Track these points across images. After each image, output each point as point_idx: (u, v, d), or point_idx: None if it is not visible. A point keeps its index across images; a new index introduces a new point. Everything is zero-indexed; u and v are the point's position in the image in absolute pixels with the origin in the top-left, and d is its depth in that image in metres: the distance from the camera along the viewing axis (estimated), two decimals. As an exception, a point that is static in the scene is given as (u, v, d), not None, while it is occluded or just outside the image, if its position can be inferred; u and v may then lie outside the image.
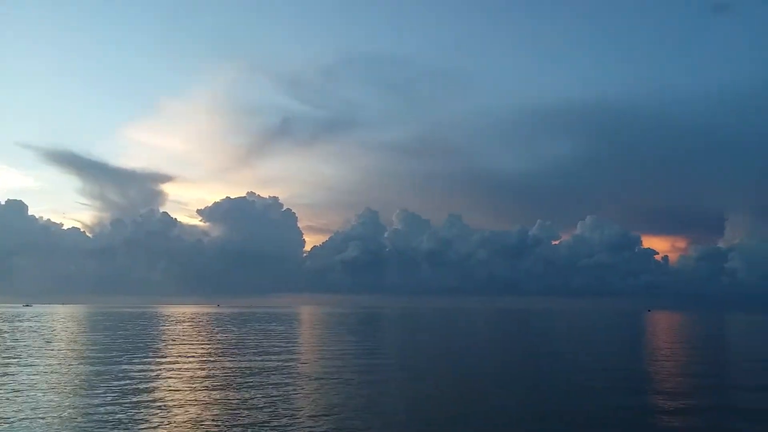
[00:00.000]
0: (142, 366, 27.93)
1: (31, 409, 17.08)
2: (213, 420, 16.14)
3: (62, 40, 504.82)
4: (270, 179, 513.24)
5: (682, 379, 26.24)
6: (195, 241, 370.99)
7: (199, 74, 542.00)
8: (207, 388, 21.44)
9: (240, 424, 15.61)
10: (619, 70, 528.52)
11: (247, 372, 26.28)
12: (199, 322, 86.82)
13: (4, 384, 21.84)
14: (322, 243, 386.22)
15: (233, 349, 38.58)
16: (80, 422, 15.66)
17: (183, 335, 52.72)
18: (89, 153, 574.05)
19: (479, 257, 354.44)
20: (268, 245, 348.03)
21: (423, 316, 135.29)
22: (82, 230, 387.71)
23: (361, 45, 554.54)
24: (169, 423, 15.73)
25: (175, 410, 17.36)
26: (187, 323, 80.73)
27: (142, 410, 17.22)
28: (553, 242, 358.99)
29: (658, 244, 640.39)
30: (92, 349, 37.17)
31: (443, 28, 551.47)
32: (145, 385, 21.85)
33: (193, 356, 33.17)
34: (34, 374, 24.66)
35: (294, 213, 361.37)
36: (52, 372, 25.49)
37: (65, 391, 20.53)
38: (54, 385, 21.84)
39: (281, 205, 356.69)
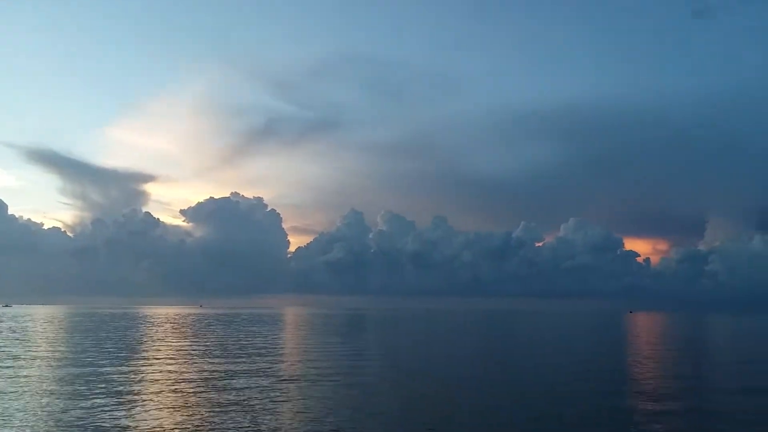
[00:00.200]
0: (120, 368, 27.49)
1: (2, 416, 16.69)
2: (194, 425, 15.88)
3: (45, 39, 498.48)
4: (254, 180, 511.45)
5: (663, 381, 26.39)
6: (178, 241, 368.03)
7: (184, 74, 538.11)
8: (187, 392, 21.12)
9: (222, 428, 15.38)
10: (602, 75, 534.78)
11: (229, 375, 25.96)
12: (181, 323, 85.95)
13: (-22, 387, 21.35)
14: (307, 244, 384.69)
15: (215, 350, 38.16)
16: (54, 427, 15.31)
17: (164, 337, 52.10)
18: (71, 152, 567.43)
19: (464, 259, 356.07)
20: (253, 246, 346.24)
21: (407, 318, 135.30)
22: (63, 230, 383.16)
23: (348, 46, 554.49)
24: (148, 428, 15.44)
25: (155, 414, 17.06)
26: (169, 324, 79.88)
27: (119, 415, 16.89)
28: (537, 244, 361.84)
29: (639, 246, 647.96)
30: (71, 351, 36.54)
31: (430, 31, 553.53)
32: (123, 389, 21.46)
33: (173, 358, 32.75)
34: (9, 377, 24.14)
35: (278, 214, 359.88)
36: (28, 375, 24.97)
37: (41, 394, 20.09)
38: (29, 388, 21.37)
39: (266, 206, 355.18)
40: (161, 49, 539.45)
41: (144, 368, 27.79)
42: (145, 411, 17.46)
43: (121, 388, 21.63)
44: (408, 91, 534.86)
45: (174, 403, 18.74)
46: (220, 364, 30.22)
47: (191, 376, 25.11)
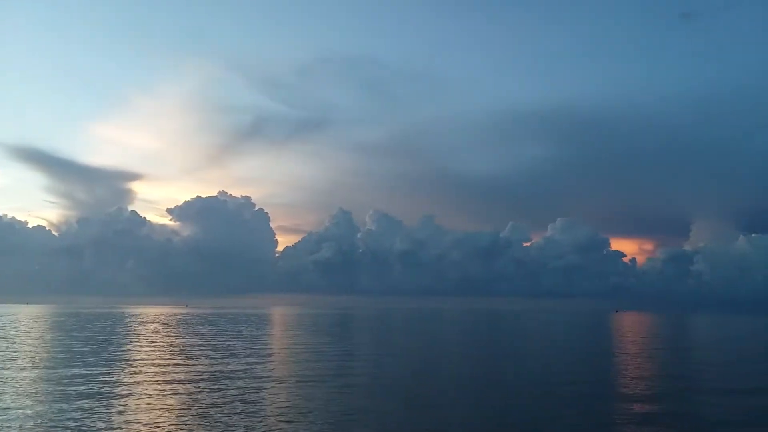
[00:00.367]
0: (104, 370, 27.19)
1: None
2: (177, 428, 15.72)
3: (29, 35, 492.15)
4: (242, 179, 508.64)
5: (649, 383, 26.59)
6: (164, 240, 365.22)
7: (171, 71, 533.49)
8: (170, 394, 20.94)
9: None
10: (589, 76, 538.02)
11: (213, 377, 25.77)
12: (167, 323, 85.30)
13: (-43, 389, 21.02)
14: (295, 243, 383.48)
15: (199, 351, 37.89)
16: (36, 429, 15.09)
17: (148, 337, 51.65)
18: (56, 150, 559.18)
19: (452, 258, 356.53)
20: (240, 245, 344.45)
21: (396, 317, 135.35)
22: (48, 229, 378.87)
23: (337, 45, 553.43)
24: (130, 430, 15.26)
25: (137, 417, 16.88)
26: (154, 325, 79.23)
27: (101, 417, 16.70)
28: (525, 244, 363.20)
29: (626, 246, 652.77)
30: (55, 351, 36.11)
31: (419, 31, 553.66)
32: (106, 391, 21.22)
33: (157, 359, 32.46)
34: (-10, 379, 23.79)
35: (266, 213, 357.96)
36: (8, 376, 24.62)
37: (23, 395, 19.81)
38: (11, 389, 21.06)
39: (253, 205, 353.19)
40: (149, 46, 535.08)
41: (127, 370, 27.51)
42: (128, 413, 17.26)
43: (104, 390, 21.38)
44: (397, 91, 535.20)
45: (157, 406, 18.55)
46: (204, 365, 29.99)
47: (174, 378, 24.89)
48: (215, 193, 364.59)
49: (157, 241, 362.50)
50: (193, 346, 42.29)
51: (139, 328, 69.15)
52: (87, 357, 32.91)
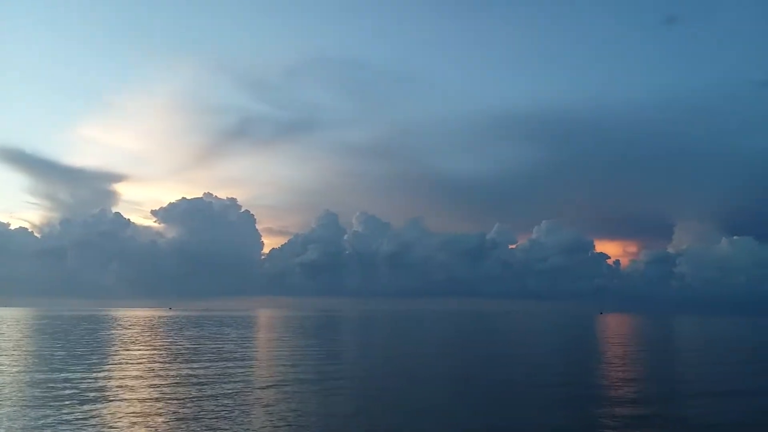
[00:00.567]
0: (85, 374, 26.74)
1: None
2: (158, 432, 15.48)
3: (11, 33, 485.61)
4: (228, 180, 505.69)
5: (632, 385, 26.71)
6: (149, 242, 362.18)
7: (156, 71, 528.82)
8: (154, 398, 20.63)
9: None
10: (574, 80, 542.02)
11: (195, 380, 25.46)
12: (150, 326, 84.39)
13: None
14: (281, 245, 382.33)
15: (182, 354, 37.45)
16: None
17: (131, 340, 51.01)
18: (39, 151, 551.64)
19: (438, 260, 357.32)
20: (226, 247, 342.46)
21: (383, 319, 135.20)
22: (30, 230, 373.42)
23: (323, 47, 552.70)
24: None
25: (119, 421, 16.59)
26: (137, 327, 78.33)
27: (81, 423, 16.39)
28: (510, 246, 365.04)
29: (610, 248, 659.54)
30: (35, 355, 35.49)
31: (406, 33, 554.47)
32: (87, 396, 20.86)
33: (140, 362, 32.03)
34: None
35: (252, 215, 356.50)
36: (-13, 381, 24.14)
37: (2, 400, 19.40)
38: (-12, 395, 20.65)
39: (239, 207, 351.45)
40: (133, 45, 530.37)
41: (110, 374, 27.09)
42: (109, 418, 16.96)
43: (85, 395, 21.00)
44: (384, 92, 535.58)
45: (139, 411, 18.26)
46: (186, 369, 29.62)
47: (158, 382, 24.54)
48: (200, 195, 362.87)
49: (141, 243, 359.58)
50: (177, 349, 41.81)
51: (122, 331, 68.31)
52: (68, 361, 32.37)
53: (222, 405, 19.41)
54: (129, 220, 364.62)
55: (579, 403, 21.39)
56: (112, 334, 60.24)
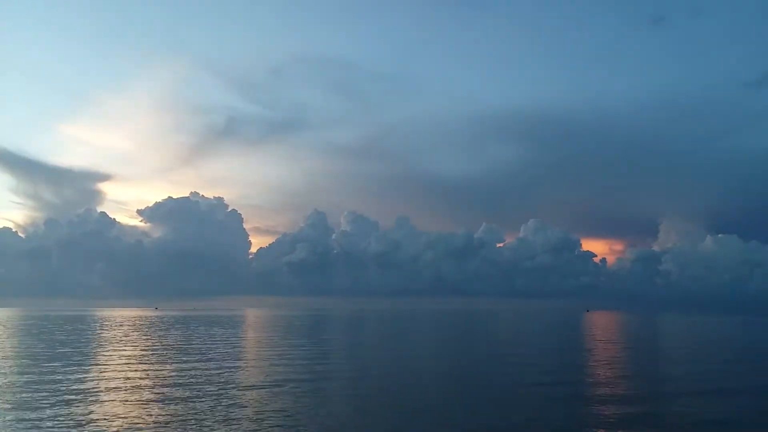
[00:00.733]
0: (70, 375, 26.39)
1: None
2: (143, 435, 15.26)
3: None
4: (215, 179, 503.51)
5: (618, 383, 26.85)
6: (135, 242, 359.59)
7: (142, 70, 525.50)
8: (138, 400, 20.38)
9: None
10: (561, 80, 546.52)
11: (182, 381, 25.20)
12: (135, 326, 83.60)
13: None
14: (269, 245, 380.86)
15: (168, 355, 37.09)
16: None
17: (115, 340, 50.46)
18: (23, 150, 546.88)
19: (426, 259, 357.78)
20: (213, 247, 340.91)
21: (371, 318, 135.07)
22: (14, 230, 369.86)
23: (311, 46, 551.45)
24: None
25: (103, 425, 16.34)
26: (122, 328, 77.56)
27: (65, 426, 16.12)
28: (498, 245, 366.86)
29: (596, 246, 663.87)
30: (19, 355, 34.98)
31: (393, 33, 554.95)
32: (72, 397, 20.56)
33: (124, 363, 31.66)
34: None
35: (240, 214, 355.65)
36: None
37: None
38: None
39: (226, 206, 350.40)
40: (119, 44, 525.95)
41: (95, 374, 26.74)
42: (94, 420, 16.71)
43: (70, 396, 20.71)
44: (371, 92, 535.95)
45: (123, 414, 18.01)
46: (172, 369, 29.33)
47: (141, 384, 24.25)
48: (187, 194, 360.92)
49: (126, 243, 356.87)
50: (163, 349, 41.41)
51: (108, 331, 67.60)
52: (53, 362, 31.94)
53: (209, 406, 19.21)
54: (114, 219, 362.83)
55: (567, 402, 21.43)
56: (98, 335, 59.58)
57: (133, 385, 23.92)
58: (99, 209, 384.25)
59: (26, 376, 26.35)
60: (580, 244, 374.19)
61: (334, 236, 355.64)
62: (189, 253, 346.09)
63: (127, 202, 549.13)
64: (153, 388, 23.15)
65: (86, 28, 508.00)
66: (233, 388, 23.37)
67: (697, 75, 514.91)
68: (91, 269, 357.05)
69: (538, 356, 40.72)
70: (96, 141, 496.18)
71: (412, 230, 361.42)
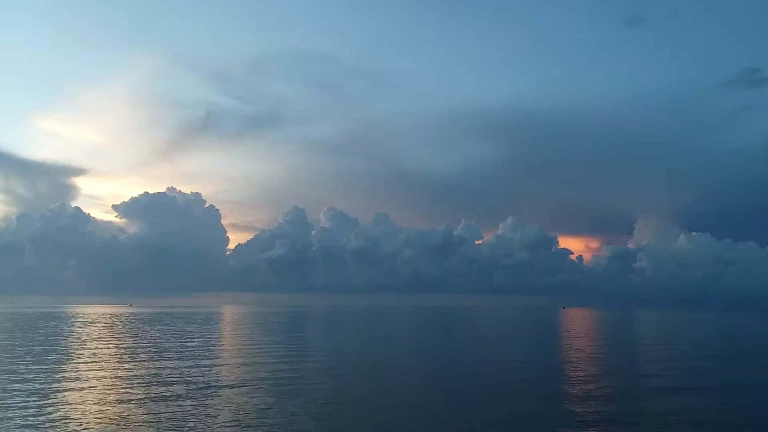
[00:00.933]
0: (40, 374, 25.78)
1: None
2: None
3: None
4: (192, 174, 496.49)
5: (593, 380, 27.12)
6: (110, 237, 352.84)
7: (117, 62, 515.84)
8: (111, 400, 19.97)
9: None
10: (540, 78, 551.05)
11: (157, 379, 24.79)
12: (109, 323, 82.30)
13: None
14: (247, 241, 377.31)
15: (142, 353, 36.51)
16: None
17: (89, 338, 49.55)
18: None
19: (406, 256, 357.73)
20: (190, 243, 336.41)
21: (350, 315, 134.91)
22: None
23: (290, 40, 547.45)
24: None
25: (77, 425, 15.96)
26: (96, 325, 76.28)
27: (37, 426, 15.71)
28: (477, 242, 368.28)
29: (573, 244, 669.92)
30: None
31: (373, 28, 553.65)
32: (43, 397, 20.07)
33: (97, 361, 31.07)
34: None
35: (217, 210, 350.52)
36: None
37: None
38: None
39: (204, 202, 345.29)
40: (95, 35, 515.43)
41: (67, 373, 26.17)
42: (67, 420, 16.31)
43: (41, 395, 20.22)
44: (350, 88, 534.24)
45: (96, 412, 17.63)
46: (146, 368, 28.85)
47: (115, 383, 23.81)
48: (163, 189, 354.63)
49: (101, 239, 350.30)
50: (138, 347, 40.75)
51: (82, 328, 66.40)
52: (25, 360, 31.20)
53: (183, 406, 18.90)
54: (89, 214, 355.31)
55: (546, 399, 21.55)
56: (71, 332, 58.48)
57: (107, 384, 23.46)
58: (73, 204, 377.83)
59: (-5, 375, 25.68)
60: (557, 242, 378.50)
61: (313, 233, 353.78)
62: (165, 249, 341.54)
63: (102, 197, 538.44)
64: (127, 387, 22.73)
65: (60, 18, 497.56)
66: (208, 387, 23.05)
67: (672, 74, 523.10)
68: (64, 265, 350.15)
69: (516, 353, 40.99)
70: (70, 134, 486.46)
71: (391, 227, 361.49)
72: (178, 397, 20.65)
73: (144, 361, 32.22)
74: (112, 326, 73.14)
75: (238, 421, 16.95)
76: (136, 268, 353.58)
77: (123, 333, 58.59)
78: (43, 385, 22.92)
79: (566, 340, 54.45)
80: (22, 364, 29.84)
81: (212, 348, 41.61)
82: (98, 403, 19.43)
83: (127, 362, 31.42)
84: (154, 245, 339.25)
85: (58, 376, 25.73)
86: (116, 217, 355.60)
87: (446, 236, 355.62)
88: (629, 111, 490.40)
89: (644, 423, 17.62)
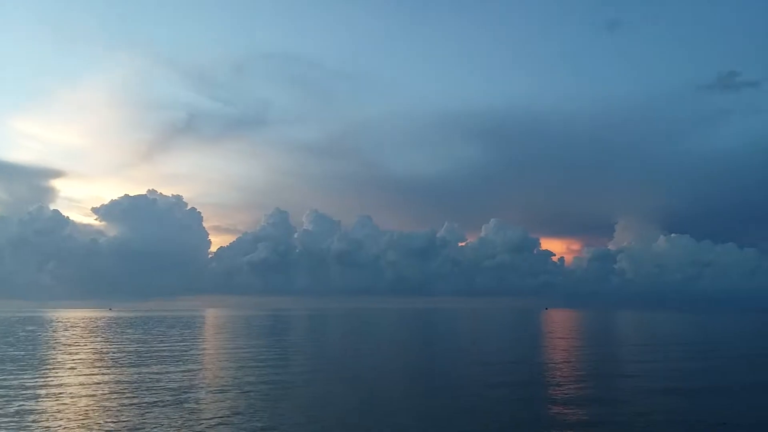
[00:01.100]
0: (17, 380, 25.24)
1: None
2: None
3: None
4: (173, 177, 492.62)
5: (575, 381, 27.23)
6: (89, 241, 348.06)
7: (97, 63, 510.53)
8: (90, 407, 19.59)
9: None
10: (522, 82, 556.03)
11: (136, 386, 24.40)
12: (89, 328, 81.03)
13: None
14: (230, 243, 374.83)
15: (122, 358, 35.96)
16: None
17: (68, 343, 48.70)
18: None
19: (389, 258, 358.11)
20: (171, 246, 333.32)
21: (332, 318, 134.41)
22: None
23: (273, 42, 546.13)
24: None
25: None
26: (75, 329, 75.05)
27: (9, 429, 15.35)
28: (460, 244, 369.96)
29: (554, 246, 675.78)
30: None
31: (356, 30, 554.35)
32: (19, 404, 19.63)
33: (76, 367, 30.51)
34: None
35: (199, 212, 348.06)
36: None
37: None
38: None
39: (185, 204, 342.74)
40: (74, 36, 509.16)
41: (45, 380, 25.65)
42: (43, 428, 15.95)
43: (18, 403, 19.76)
44: (333, 90, 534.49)
45: (75, 420, 17.26)
46: (125, 373, 28.40)
47: (94, 389, 23.38)
48: (144, 192, 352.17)
49: (80, 242, 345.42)
50: (117, 352, 40.12)
51: (60, 333, 65.25)
52: (2, 365, 30.58)
53: (164, 412, 18.59)
54: (68, 217, 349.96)
55: (529, 402, 21.58)
56: (49, 337, 57.44)
57: (86, 390, 23.03)
58: (51, 207, 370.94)
59: (-31, 382, 25.08)
60: (539, 244, 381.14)
61: (296, 235, 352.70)
62: (146, 252, 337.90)
63: (81, 199, 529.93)
64: (106, 393, 22.33)
65: (39, 18, 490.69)
66: (189, 391, 22.73)
67: (652, 78, 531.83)
68: (43, 269, 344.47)
69: (499, 355, 41.08)
70: (49, 136, 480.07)
71: (374, 229, 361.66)
72: (156, 404, 20.32)
73: (123, 366, 31.71)
74: (91, 331, 71.99)
75: (219, 425, 16.70)
76: (117, 272, 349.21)
77: (102, 337, 57.69)
78: (20, 392, 22.41)
79: (548, 341, 54.74)
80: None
81: (193, 352, 41.11)
82: (76, 410, 19.04)
83: (107, 367, 30.90)
84: (135, 248, 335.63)
85: (35, 383, 25.20)
86: (96, 220, 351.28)
87: (429, 239, 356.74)
88: (609, 114, 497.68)
89: (628, 424, 17.70)
